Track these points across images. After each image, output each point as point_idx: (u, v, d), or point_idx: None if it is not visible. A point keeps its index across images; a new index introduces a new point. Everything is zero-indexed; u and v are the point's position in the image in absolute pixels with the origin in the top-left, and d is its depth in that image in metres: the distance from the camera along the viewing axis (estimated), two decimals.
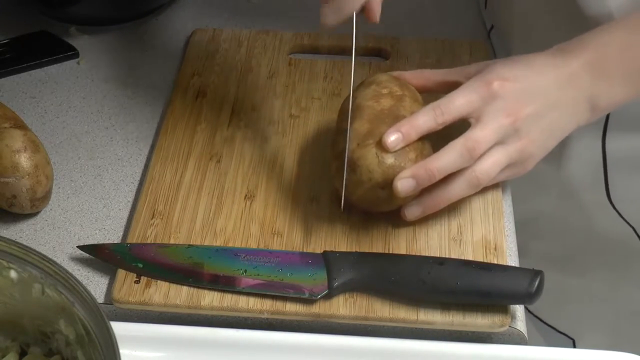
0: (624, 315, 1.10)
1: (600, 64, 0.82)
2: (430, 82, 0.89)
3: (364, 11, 0.81)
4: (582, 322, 1.14)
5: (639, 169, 0.97)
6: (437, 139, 0.83)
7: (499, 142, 0.81)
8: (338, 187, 0.84)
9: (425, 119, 0.81)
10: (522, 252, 0.86)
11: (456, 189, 0.81)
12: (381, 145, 0.80)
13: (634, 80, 0.83)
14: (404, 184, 0.79)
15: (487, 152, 0.80)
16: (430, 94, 0.89)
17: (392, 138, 0.80)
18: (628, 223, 1.01)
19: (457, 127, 0.82)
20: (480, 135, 0.80)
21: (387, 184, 0.80)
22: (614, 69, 0.82)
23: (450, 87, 0.87)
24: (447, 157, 0.79)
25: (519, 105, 0.80)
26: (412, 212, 0.83)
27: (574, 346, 1.15)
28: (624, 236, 1.02)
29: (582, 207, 1.03)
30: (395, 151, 0.80)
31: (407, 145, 0.80)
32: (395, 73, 0.89)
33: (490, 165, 0.81)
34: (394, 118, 0.82)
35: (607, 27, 0.83)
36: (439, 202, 0.82)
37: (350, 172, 0.81)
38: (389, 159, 0.80)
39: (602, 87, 0.82)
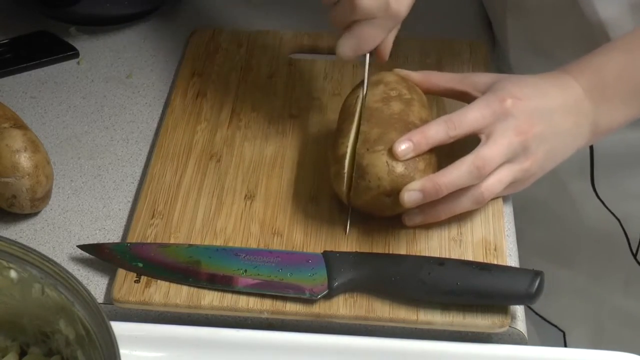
0: (607, 310, 1.10)
1: (600, 88, 0.82)
2: (437, 87, 0.89)
3: (375, 50, 0.85)
4: (569, 314, 1.15)
5: (623, 162, 0.97)
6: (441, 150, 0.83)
7: (507, 160, 0.81)
8: (337, 191, 0.84)
9: (438, 131, 0.81)
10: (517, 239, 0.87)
11: (460, 204, 0.82)
12: (391, 153, 0.80)
13: (633, 102, 0.84)
14: (411, 196, 0.79)
15: (495, 169, 0.81)
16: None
17: (403, 147, 0.80)
18: (613, 214, 1.01)
19: (465, 140, 0.82)
20: (490, 154, 0.79)
21: (394, 192, 0.80)
22: (613, 93, 0.83)
23: (455, 95, 0.87)
24: (456, 174, 0.79)
25: (529, 124, 0.80)
26: (412, 219, 0.83)
27: (564, 339, 1.15)
28: (610, 229, 1.02)
29: (570, 197, 1.03)
30: (405, 160, 0.80)
31: (417, 155, 0.80)
32: (403, 73, 0.89)
33: (496, 183, 0.81)
34: (404, 124, 0.82)
35: (605, 48, 0.84)
36: (441, 214, 0.82)
37: (358, 178, 0.81)
38: (399, 168, 0.80)
39: (602, 112, 0.83)
